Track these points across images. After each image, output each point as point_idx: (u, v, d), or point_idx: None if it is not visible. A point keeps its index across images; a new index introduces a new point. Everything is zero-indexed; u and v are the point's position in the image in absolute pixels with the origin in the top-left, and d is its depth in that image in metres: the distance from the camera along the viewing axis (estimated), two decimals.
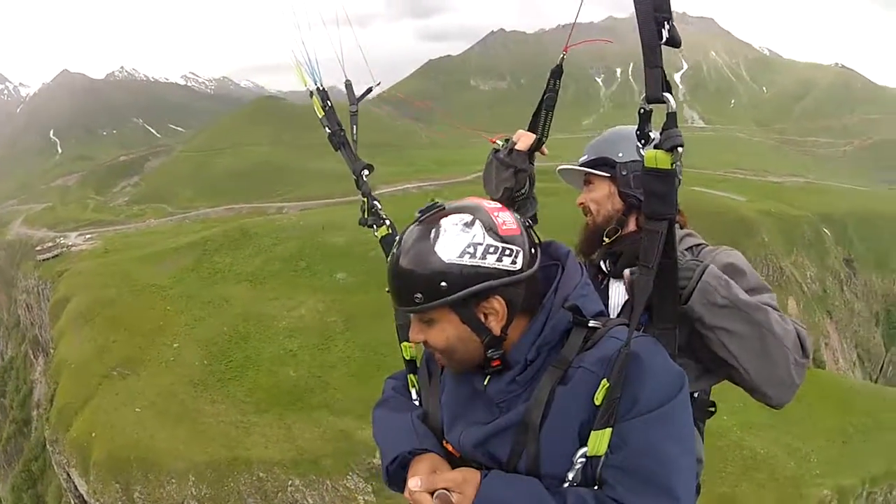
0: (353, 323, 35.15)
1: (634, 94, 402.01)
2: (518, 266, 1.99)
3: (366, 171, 3.13)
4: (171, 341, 33.36)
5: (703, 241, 3.18)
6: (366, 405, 28.49)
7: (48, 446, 32.62)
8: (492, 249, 1.96)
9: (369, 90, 3.36)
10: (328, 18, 2.92)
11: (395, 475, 2.20)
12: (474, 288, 1.95)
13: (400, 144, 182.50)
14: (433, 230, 1.98)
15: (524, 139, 3.37)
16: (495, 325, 2.03)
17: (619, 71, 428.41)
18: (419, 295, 1.96)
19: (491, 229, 1.99)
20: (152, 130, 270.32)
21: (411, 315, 2.13)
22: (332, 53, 3.04)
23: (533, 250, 2.07)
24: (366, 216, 3.08)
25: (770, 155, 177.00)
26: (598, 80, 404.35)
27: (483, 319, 2.02)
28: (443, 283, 1.94)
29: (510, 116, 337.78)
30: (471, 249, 1.94)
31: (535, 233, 2.17)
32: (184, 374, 30.80)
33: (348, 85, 3.21)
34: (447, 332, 2.04)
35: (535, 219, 3.26)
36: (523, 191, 3.32)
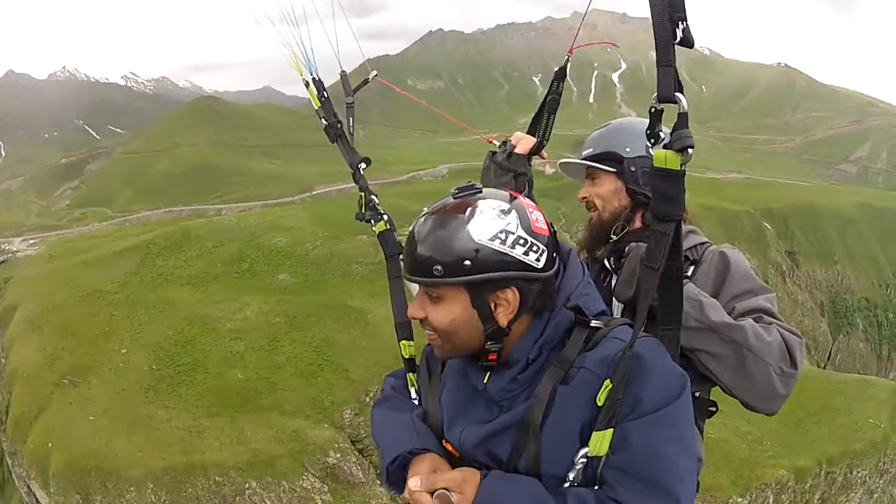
0: (297, 323, 35.30)
1: (572, 95, 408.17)
2: (541, 265, 2.03)
3: (363, 165, 3.07)
4: (119, 347, 33.09)
5: (707, 240, 3.20)
6: (314, 405, 29.45)
7: (7, 458, 32.33)
8: (521, 241, 2.00)
9: (366, 81, 3.34)
10: (323, 10, 2.93)
11: (395, 475, 2.20)
12: (496, 274, 1.97)
13: (332, 145, 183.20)
14: (469, 208, 2.01)
15: (524, 142, 3.34)
16: (503, 317, 2.05)
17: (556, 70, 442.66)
18: (439, 268, 1.98)
19: (524, 222, 2.03)
20: (92, 132, 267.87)
21: (417, 289, 2.14)
22: (316, 44, 3.02)
23: (555, 255, 2.11)
24: (363, 211, 3.04)
25: (710, 153, 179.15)
26: (536, 80, 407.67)
27: (492, 308, 2.04)
28: (466, 262, 1.96)
29: (448, 116, 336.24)
30: (502, 236, 1.98)
31: (558, 240, 2.21)
32: (134, 379, 30.63)
33: (343, 76, 3.18)
34: (453, 312, 2.05)
35: None
36: (523, 194, 2.95)
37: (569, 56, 3.05)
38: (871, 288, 77.55)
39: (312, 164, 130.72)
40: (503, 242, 1.97)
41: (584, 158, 3.23)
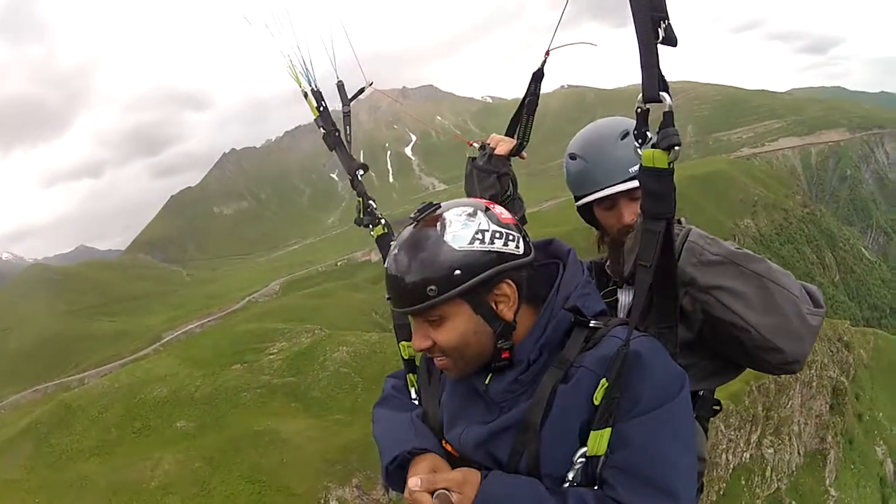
0: (218, 462, 35.68)
1: (372, 179, 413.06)
2: (521, 251, 2.07)
3: (360, 171, 3.09)
4: None
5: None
6: None
7: None
8: (498, 234, 2.02)
9: (361, 90, 3.30)
10: (318, 20, 2.98)
11: (395, 475, 2.20)
12: (487, 272, 1.99)
13: (163, 291, 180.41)
14: (438, 223, 2.03)
15: (504, 144, 3.29)
16: (507, 312, 2.07)
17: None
18: (433, 287, 1.97)
19: (493, 217, 2.07)
20: None
21: (413, 320, 2.14)
22: (311, 53, 3.06)
23: (526, 238, 2.15)
24: (362, 216, 3.05)
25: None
26: (334, 176, 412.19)
27: (495, 307, 2.06)
28: (457, 272, 1.96)
29: (258, 235, 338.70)
30: (479, 236, 2.00)
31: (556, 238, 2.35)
32: None
33: (340, 86, 3.20)
34: (460, 326, 2.04)
35: (524, 219, 3.17)
36: (508, 192, 3.22)
37: (545, 58, 2.93)
38: None
39: (151, 315, 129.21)
40: (482, 241, 2.00)
41: (618, 184, 2.97)
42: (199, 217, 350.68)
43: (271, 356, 51.71)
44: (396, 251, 2.07)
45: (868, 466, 55.23)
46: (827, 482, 47.27)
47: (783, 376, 33.61)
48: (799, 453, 47.00)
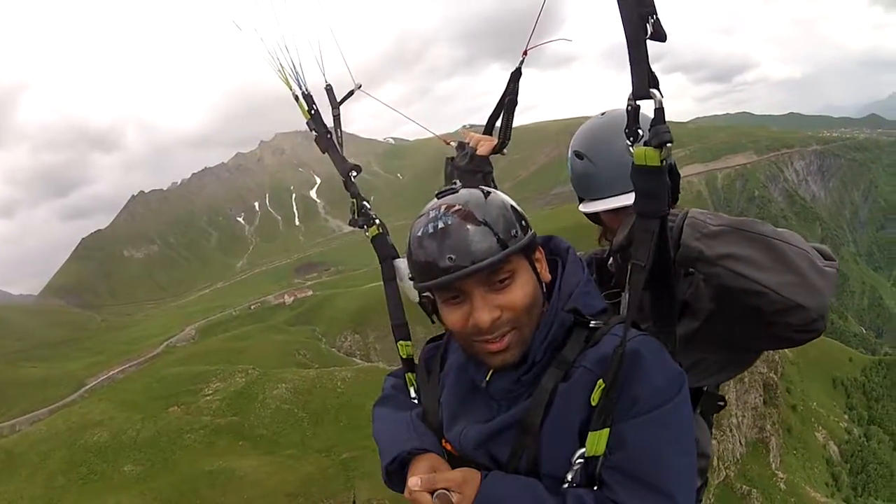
0: (178, 503, 35.70)
1: (278, 223, 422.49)
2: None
3: (353, 172, 3.02)
4: None
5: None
6: None
7: None
8: (518, 209, 2.05)
9: (351, 93, 3.27)
10: (306, 23, 2.97)
11: (395, 475, 2.18)
12: (532, 232, 2.03)
13: (80, 336, 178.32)
14: (480, 191, 2.04)
15: (485, 143, 3.30)
16: (545, 272, 2.09)
17: (257, 204, 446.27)
18: (515, 231, 1.95)
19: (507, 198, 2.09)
20: None
21: (474, 292, 1.96)
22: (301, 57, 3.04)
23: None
24: (356, 217, 2.99)
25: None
26: (240, 220, 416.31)
27: (536, 267, 2.05)
28: (517, 225, 1.96)
29: (169, 279, 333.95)
30: (513, 203, 2.04)
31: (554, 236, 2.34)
32: None
33: (328, 89, 3.18)
34: (530, 281, 2.00)
35: None
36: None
37: (524, 57, 2.97)
38: None
39: (71, 361, 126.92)
40: (517, 209, 2.04)
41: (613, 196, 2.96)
42: (110, 261, 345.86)
43: (208, 397, 51.84)
44: (451, 215, 1.95)
45: (810, 450, 62.21)
46: (773, 466, 52.08)
47: None
48: (741, 443, 50.97)
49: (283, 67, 2.97)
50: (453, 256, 1.89)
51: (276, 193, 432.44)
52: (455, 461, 2.10)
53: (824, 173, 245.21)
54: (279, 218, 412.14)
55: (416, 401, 2.49)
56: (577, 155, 3.01)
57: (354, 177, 3.01)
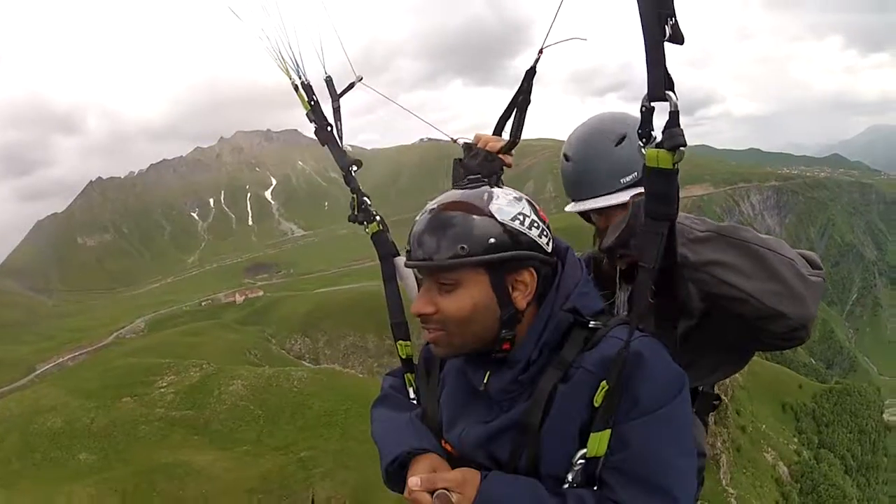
0: (134, 496, 35.54)
1: (232, 222, 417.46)
2: (550, 249, 2.08)
3: (354, 167, 3.00)
4: None
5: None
6: None
7: None
8: (536, 224, 2.02)
9: (352, 85, 3.15)
10: (307, 14, 2.92)
11: (395, 475, 2.17)
12: (517, 252, 1.97)
13: (30, 320, 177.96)
14: (486, 194, 2.03)
15: (494, 143, 3.00)
16: (521, 300, 2.03)
17: (212, 201, 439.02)
18: (465, 247, 1.93)
19: (534, 208, 2.08)
20: None
21: (425, 281, 2.07)
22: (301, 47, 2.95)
23: (554, 241, 2.15)
24: (356, 212, 2.96)
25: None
26: (194, 215, 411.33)
27: (510, 291, 2.01)
28: (491, 240, 1.93)
29: (120, 269, 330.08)
30: (521, 217, 2.00)
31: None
32: None
33: (328, 81, 3.09)
34: (474, 296, 1.98)
35: None
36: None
37: (539, 56, 2.76)
38: None
39: (20, 344, 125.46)
40: (521, 224, 2.00)
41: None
42: (63, 246, 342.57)
43: (161, 389, 51.69)
44: (436, 207, 2.04)
45: (760, 470, 64.11)
46: (723, 482, 53.02)
47: None
48: None
49: (282, 56, 2.91)
50: (418, 246, 2.00)
51: (231, 192, 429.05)
52: (455, 462, 2.10)
53: (781, 208, 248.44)
54: (233, 216, 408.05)
55: (414, 401, 2.53)
56: (565, 157, 3.07)
57: (355, 171, 2.99)
